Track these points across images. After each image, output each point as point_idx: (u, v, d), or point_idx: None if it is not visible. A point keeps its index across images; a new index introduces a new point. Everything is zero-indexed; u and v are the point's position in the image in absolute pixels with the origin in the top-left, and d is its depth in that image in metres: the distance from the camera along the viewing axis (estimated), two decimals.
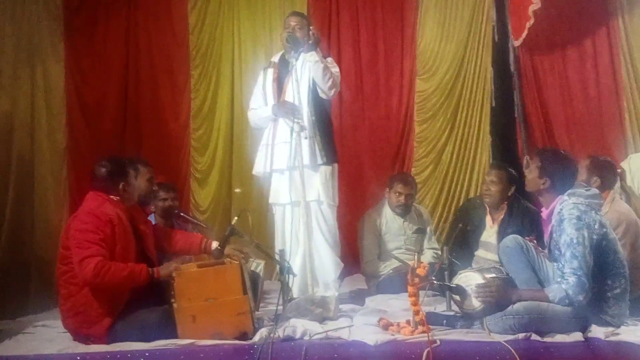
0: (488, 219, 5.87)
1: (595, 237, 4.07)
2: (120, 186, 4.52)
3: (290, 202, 5.41)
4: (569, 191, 4.22)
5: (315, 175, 5.38)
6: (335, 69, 5.53)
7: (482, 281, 4.26)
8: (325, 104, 5.56)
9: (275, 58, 5.73)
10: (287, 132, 5.34)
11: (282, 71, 5.58)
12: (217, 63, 7.53)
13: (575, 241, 4.01)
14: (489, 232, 5.81)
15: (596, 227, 4.10)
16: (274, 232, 5.66)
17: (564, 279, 4.01)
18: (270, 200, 5.64)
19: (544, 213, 4.41)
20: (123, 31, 7.51)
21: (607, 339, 3.90)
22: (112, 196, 4.49)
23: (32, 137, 6.77)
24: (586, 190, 4.26)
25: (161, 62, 7.57)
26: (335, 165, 5.59)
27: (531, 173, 4.40)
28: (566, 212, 4.11)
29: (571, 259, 4.00)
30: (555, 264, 4.25)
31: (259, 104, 5.67)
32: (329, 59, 5.60)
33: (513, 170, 5.94)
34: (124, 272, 4.20)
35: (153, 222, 5.59)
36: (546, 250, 4.40)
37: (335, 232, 5.54)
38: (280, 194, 5.52)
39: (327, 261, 5.42)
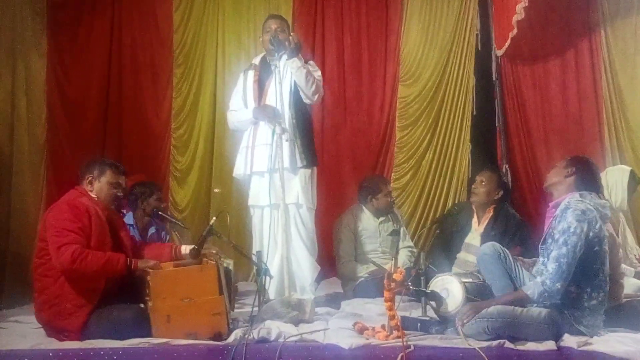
0: (474, 220, 5.96)
1: (591, 235, 4.10)
2: (91, 185, 4.57)
3: (269, 205, 5.40)
4: (582, 192, 4.27)
5: (294, 178, 5.38)
6: (318, 73, 5.53)
7: (459, 285, 4.30)
8: (307, 107, 5.56)
9: (256, 60, 5.72)
10: (267, 135, 5.35)
11: (263, 73, 5.57)
12: (200, 62, 7.53)
13: (572, 230, 4.05)
14: (474, 235, 5.89)
15: (596, 227, 4.13)
16: (252, 233, 5.65)
17: (544, 266, 4.08)
18: (250, 202, 5.63)
19: (551, 203, 4.44)
20: (107, 28, 7.48)
21: (580, 349, 3.91)
22: (91, 193, 4.53)
23: (12, 131, 6.70)
24: (598, 199, 4.31)
25: (144, 60, 7.55)
26: (315, 168, 5.59)
27: (557, 167, 4.47)
28: (573, 203, 4.17)
29: (562, 245, 4.04)
30: (541, 259, 4.28)
31: (239, 106, 5.66)
32: (311, 63, 5.61)
33: (504, 177, 6.03)
34: (102, 260, 4.21)
35: (131, 221, 5.60)
36: (540, 244, 4.42)
37: (313, 236, 5.54)
38: (260, 196, 5.50)
39: (304, 264, 5.42)
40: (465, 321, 4.06)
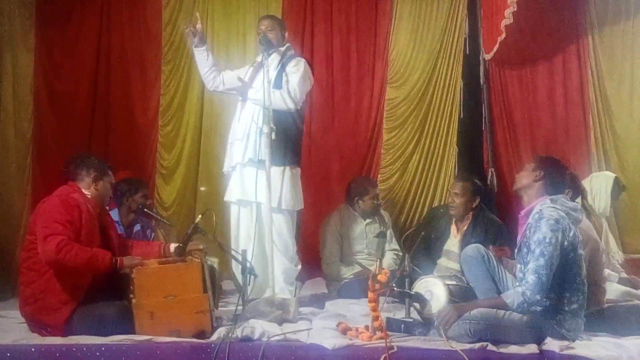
0: (453, 228, 5.94)
1: (566, 244, 4.12)
2: (96, 183, 4.60)
3: (240, 201, 5.53)
4: (553, 197, 4.27)
5: (265, 176, 5.31)
6: (293, 77, 5.54)
7: (443, 287, 4.31)
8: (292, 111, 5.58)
9: (259, 58, 5.74)
10: (243, 129, 5.47)
11: (260, 70, 5.58)
12: (188, 60, 7.45)
13: (547, 241, 4.06)
14: (453, 241, 5.88)
15: (570, 234, 4.15)
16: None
17: (524, 278, 4.08)
18: (225, 198, 5.72)
19: (522, 211, 4.45)
20: (96, 23, 7.42)
21: (562, 352, 3.94)
22: (84, 190, 4.55)
23: None
24: (568, 201, 4.31)
25: (133, 56, 7.50)
26: (293, 168, 5.60)
27: (526, 170, 4.46)
28: (546, 212, 4.17)
29: (539, 257, 4.05)
30: (518, 265, 4.29)
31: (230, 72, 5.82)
32: (292, 62, 5.64)
33: (478, 182, 6.02)
34: (87, 255, 4.22)
35: (116, 218, 5.59)
36: (516, 252, 4.43)
37: (286, 235, 5.55)
38: (233, 191, 5.58)
39: (276, 265, 5.38)
40: (446, 325, 4.07)
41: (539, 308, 4.07)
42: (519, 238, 4.41)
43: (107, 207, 5.29)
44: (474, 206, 5.87)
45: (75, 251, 4.17)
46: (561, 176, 4.41)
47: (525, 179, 4.42)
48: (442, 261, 5.86)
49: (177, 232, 6.30)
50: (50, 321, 4.24)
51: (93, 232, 4.42)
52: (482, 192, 6.00)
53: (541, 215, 4.17)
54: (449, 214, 5.99)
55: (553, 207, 4.19)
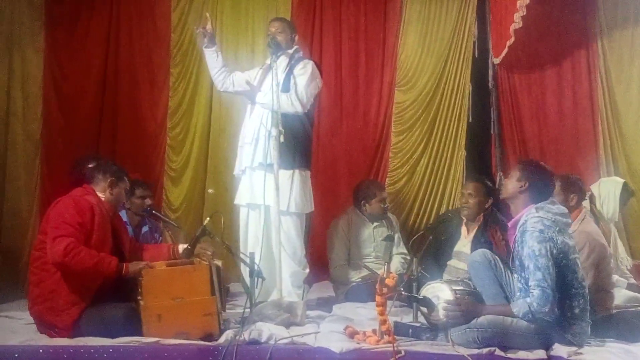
0: (463, 229, 5.92)
1: (555, 252, 4.09)
2: (111, 188, 4.62)
3: (249, 204, 5.53)
4: (538, 205, 4.24)
5: (273, 178, 5.29)
6: (301, 79, 5.54)
7: (450, 293, 4.29)
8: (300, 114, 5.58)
9: (269, 60, 5.74)
10: (252, 133, 5.48)
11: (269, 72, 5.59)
12: (197, 62, 7.47)
13: (537, 253, 4.04)
14: (463, 242, 5.86)
15: (558, 242, 4.12)
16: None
17: (528, 292, 4.05)
18: (235, 201, 5.73)
19: (510, 222, 4.44)
20: (105, 25, 7.45)
21: (570, 358, 3.92)
22: (99, 194, 4.57)
23: (7, 126, 6.72)
24: (555, 206, 4.28)
25: (141, 58, 7.52)
26: (302, 171, 5.59)
27: (511, 178, 4.42)
28: (530, 224, 4.14)
29: (535, 271, 4.03)
30: (516, 275, 4.28)
31: (240, 73, 5.81)
32: (300, 64, 5.64)
33: (490, 183, 6.02)
34: (94, 259, 4.22)
35: (125, 219, 5.59)
36: (510, 263, 4.42)
37: (294, 239, 5.54)
38: (243, 195, 5.60)
39: (284, 268, 5.38)
40: (451, 315, 4.08)
41: (546, 318, 4.06)
42: (511, 247, 4.39)
43: None
44: (486, 207, 5.86)
45: (83, 255, 4.18)
46: (546, 183, 4.35)
47: (510, 188, 4.38)
48: (453, 262, 5.84)
49: (184, 234, 6.31)
50: (58, 322, 4.25)
51: (105, 235, 4.44)
52: (494, 193, 5.99)
53: (525, 228, 4.15)
54: (459, 217, 5.98)
55: (538, 217, 4.16)
